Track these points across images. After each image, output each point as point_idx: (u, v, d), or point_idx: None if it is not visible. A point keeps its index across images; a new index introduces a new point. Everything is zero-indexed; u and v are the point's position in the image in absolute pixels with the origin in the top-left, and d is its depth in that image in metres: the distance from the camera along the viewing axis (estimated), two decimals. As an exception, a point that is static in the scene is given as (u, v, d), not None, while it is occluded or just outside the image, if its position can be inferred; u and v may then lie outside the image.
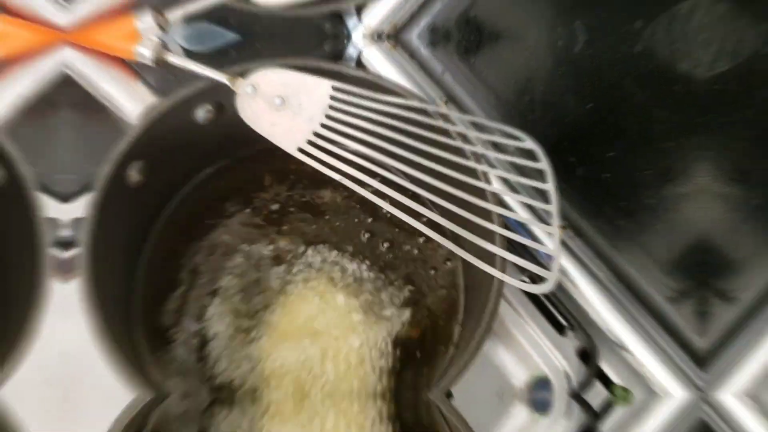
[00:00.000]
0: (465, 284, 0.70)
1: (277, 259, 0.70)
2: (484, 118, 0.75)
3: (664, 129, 0.59)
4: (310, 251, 0.71)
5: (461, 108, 0.78)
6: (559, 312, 0.71)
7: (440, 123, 0.62)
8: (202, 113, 0.64)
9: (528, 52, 0.68)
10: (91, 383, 0.64)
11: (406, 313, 0.69)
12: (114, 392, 0.58)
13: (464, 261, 0.59)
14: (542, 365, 0.71)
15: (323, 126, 0.61)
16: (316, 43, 0.75)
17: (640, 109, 0.60)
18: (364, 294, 0.69)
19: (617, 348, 0.69)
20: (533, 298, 0.71)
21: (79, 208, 0.67)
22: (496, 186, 0.65)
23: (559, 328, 0.72)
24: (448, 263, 0.71)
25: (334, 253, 0.71)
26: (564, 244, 0.71)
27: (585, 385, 0.69)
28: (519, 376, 0.71)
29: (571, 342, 0.71)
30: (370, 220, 0.72)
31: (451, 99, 0.78)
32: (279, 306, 0.68)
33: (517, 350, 0.71)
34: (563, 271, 0.70)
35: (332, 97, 0.62)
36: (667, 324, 0.68)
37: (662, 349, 0.68)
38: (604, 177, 0.66)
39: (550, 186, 0.61)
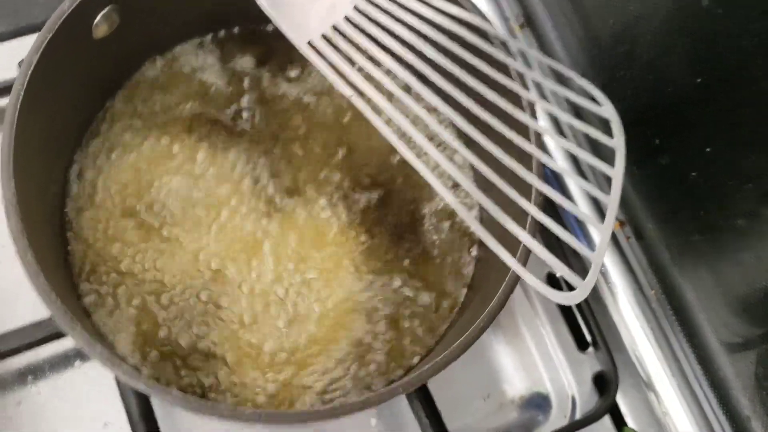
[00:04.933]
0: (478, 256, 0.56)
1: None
2: (560, 62, 0.60)
3: (791, 136, 0.44)
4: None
5: (538, 36, 0.66)
6: (586, 323, 0.60)
7: (500, 54, 0.47)
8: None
9: (644, -13, 0.52)
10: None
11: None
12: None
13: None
14: (546, 380, 0.60)
15: (347, 20, 0.47)
16: None
17: (765, 102, 0.44)
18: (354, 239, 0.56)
19: (643, 385, 0.59)
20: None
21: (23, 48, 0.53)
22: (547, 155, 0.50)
23: (581, 343, 0.61)
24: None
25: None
26: (615, 242, 0.57)
27: (591, 419, 0.56)
28: (515, 384, 0.59)
29: (590, 363, 0.60)
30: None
31: (529, 21, 0.67)
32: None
33: (522, 354, 0.60)
34: (604, 274, 0.57)
35: (369, -16, 0.47)
36: (716, 377, 0.55)
37: (699, 405, 0.57)
38: (692, 175, 0.52)
39: (617, 171, 0.46)
